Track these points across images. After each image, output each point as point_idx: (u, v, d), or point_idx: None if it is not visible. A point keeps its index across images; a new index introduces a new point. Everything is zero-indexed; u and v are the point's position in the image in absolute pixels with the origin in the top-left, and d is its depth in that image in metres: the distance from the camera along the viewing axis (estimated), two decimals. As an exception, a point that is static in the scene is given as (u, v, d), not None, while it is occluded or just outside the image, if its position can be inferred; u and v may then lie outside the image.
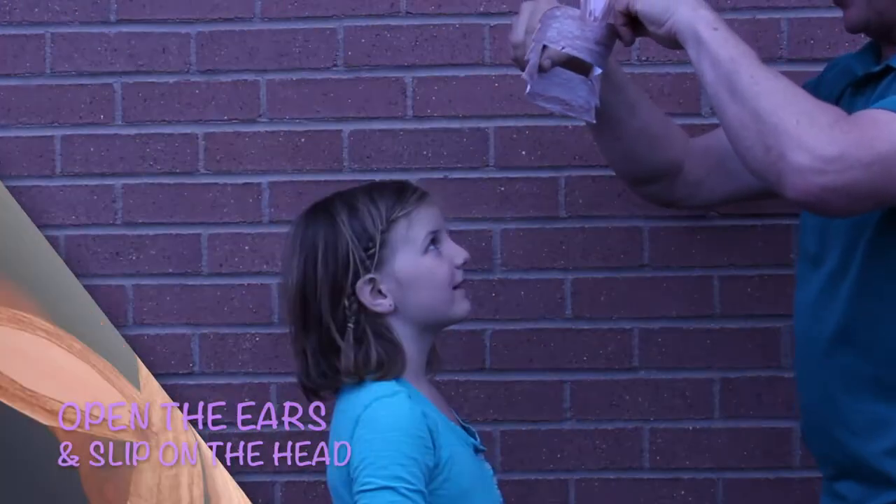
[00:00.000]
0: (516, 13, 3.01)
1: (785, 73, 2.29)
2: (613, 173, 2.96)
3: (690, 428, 3.03)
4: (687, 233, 3.00)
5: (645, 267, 3.01)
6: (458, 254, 2.43)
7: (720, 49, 2.25)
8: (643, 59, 3.00)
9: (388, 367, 2.37)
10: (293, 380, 2.99)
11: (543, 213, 3.02)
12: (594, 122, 2.46)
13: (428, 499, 2.28)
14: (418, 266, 2.39)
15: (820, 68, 2.71)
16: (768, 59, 2.73)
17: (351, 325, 2.37)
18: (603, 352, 3.03)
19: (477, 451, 2.46)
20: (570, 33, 2.38)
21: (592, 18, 2.39)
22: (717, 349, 3.01)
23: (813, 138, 2.13)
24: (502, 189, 3.02)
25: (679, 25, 2.30)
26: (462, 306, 2.44)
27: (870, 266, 2.30)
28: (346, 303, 2.36)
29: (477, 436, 2.50)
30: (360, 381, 2.37)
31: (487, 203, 3.00)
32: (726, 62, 2.24)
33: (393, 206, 2.40)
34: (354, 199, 2.41)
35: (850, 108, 2.39)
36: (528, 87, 2.41)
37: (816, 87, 2.59)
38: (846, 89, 2.49)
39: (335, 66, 3.04)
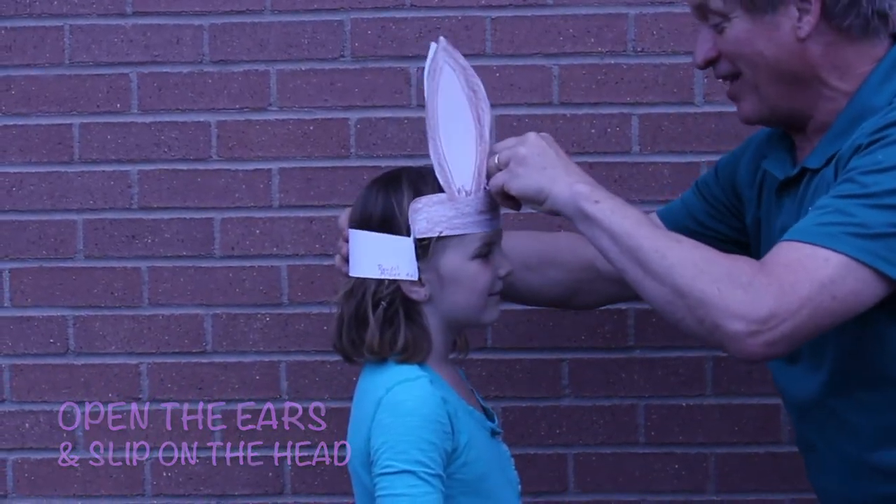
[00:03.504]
0: (517, 6, 3.06)
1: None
2: (610, 160, 3.03)
3: (684, 404, 3.07)
4: (681, 217, 3.03)
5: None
6: (503, 265, 2.38)
7: (612, 224, 2.19)
8: (638, 49, 3.05)
9: (413, 350, 2.34)
10: (302, 358, 3.10)
11: (543, 198, 3.07)
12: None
13: (446, 482, 2.27)
14: (463, 268, 2.34)
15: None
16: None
17: (384, 303, 2.34)
18: (600, 331, 3.07)
19: (494, 433, 2.44)
20: (441, 217, 2.32)
21: (464, 194, 2.33)
22: (709, 329, 3.06)
23: (739, 304, 2.09)
24: (503, 175, 3.07)
25: (559, 205, 2.25)
26: (493, 313, 2.40)
27: (850, 355, 2.29)
28: (386, 281, 2.34)
29: (496, 418, 2.48)
30: (382, 360, 2.35)
31: (489, 188, 3.05)
32: (624, 237, 2.18)
33: None
34: (424, 183, 2.35)
35: (777, 210, 2.40)
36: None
37: (735, 167, 2.59)
38: (764, 180, 2.47)
39: (342, 56, 3.08)
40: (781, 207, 2.40)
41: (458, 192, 2.33)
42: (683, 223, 2.65)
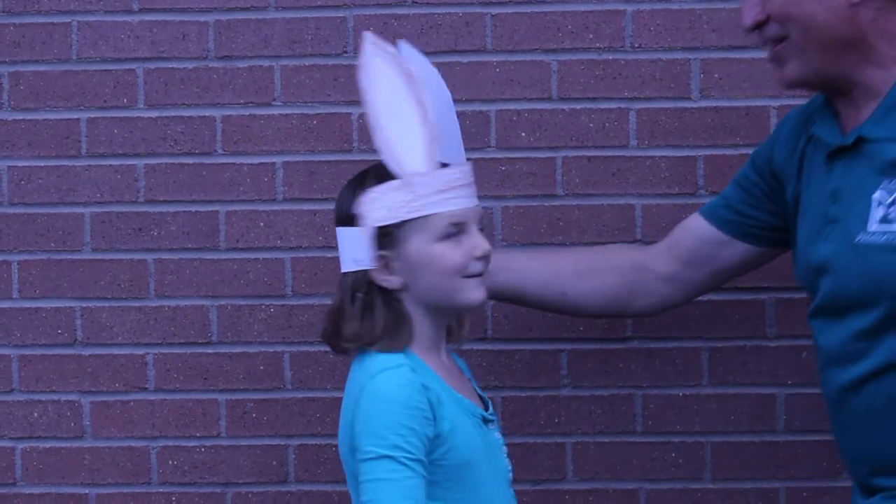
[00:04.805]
0: (517, 3, 3.08)
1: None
2: (608, 154, 3.06)
3: (680, 394, 3.09)
4: (678, 210, 3.02)
5: (638, 242, 3.05)
6: (478, 246, 2.39)
7: None
8: (636, 45, 3.07)
9: (393, 336, 2.38)
10: (306, 349, 3.13)
11: (541, 191, 3.08)
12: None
13: (428, 468, 2.30)
14: (429, 252, 2.36)
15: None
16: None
17: (360, 294, 2.39)
18: (598, 322, 3.08)
19: (486, 421, 2.46)
20: (400, 202, 2.35)
21: (418, 176, 2.35)
22: (705, 320, 3.07)
23: None
24: (503, 168, 3.08)
25: None
26: (473, 294, 2.41)
27: None
28: (361, 272, 2.39)
29: (490, 405, 2.50)
30: (367, 348, 2.39)
31: (489, 182, 3.04)
32: None
33: None
34: (388, 174, 2.39)
35: (827, 176, 2.39)
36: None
37: (770, 151, 2.60)
38: (806, 150, 2.48)
39: (345, 52, 3.10)
40: (832, 172, 2.38)
41: (412, 174, 2.36)
42: (723, 215, 2.69)
